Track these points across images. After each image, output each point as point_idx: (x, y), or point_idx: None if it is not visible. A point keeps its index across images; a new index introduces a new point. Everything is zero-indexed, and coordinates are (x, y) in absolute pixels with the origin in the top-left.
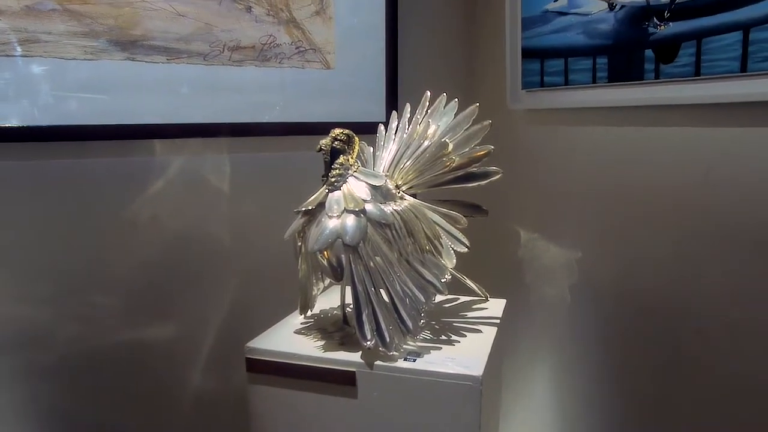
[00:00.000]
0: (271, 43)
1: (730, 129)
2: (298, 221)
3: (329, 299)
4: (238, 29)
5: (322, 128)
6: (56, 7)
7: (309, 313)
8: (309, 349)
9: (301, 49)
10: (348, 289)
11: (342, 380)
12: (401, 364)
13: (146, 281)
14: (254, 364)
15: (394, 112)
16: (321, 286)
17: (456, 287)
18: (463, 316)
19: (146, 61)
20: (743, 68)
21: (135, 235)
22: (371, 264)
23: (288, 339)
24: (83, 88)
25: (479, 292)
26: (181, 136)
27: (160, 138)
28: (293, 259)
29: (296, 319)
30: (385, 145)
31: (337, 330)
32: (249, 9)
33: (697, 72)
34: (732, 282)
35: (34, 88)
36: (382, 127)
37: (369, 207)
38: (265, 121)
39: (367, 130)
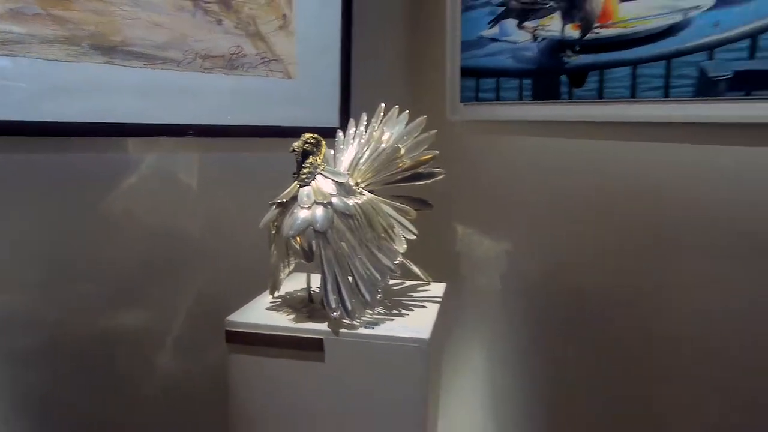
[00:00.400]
0: (238, 53)
1: (624, 143)
2: (273, 212)
3: (293, 283)
4: (210, 40)
5: (282, 132)
6: (40, 11)
7: (276, 294)
8: (281, 321)
9: (266, 59)
10: (312, 274)
11: (311, 346)
12: (361, 331)
13: (124, 271)
14: (233, 335)
15: (352, 119)
16: (287, 270)
17: (402, 273)
18: (410, 296)
19: (125, 66)
20: (633, 95)
21: (113, 226)
22: (337, 248)
23: (262, 314)
24: (65, 88)
25: (423, 276)
26: (155, 134)
27: (136, 136)
28: (266, 245)
29: (266, 299)
30: (344, 148)
31: (304, 306)
32: (220, 22)
33: (600, 95)
34: (649, 274)
35: (17, 86)
36: (341, 133)
37: (335, 200)
38: (231, 123)
39: (321, 134)
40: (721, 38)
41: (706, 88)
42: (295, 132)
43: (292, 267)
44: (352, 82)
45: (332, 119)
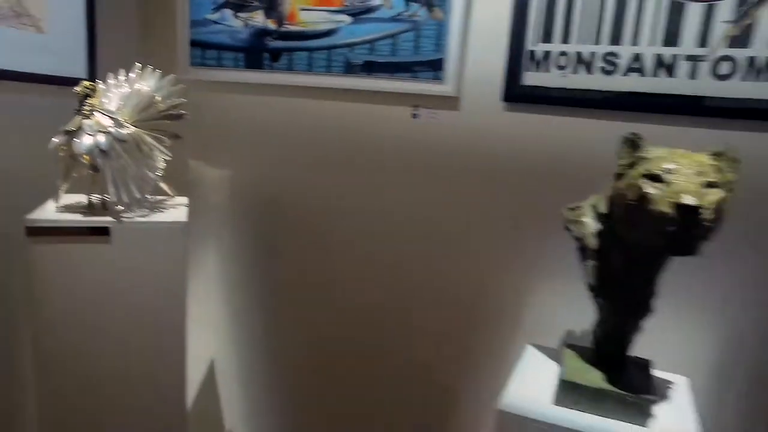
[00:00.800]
0: None
1: (304, 99)
2: (61, 138)
3: (71, 198)
4: None
5: (35, 78)
6: None
7: (60, 203)
8: (74, 217)
9: (18, 13)
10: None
11: (100, 232)
12: (137, 219)
13: None
14: (34, 230)
15: (110, 72)
16: (66, 185)
17: (154, 191)
18: (166, 202)
19: None
20: (310, 69)
21: None
22: (117, 164)
23: (54, 214)
24: None
25: (169, 192)
26: None
27: None
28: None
29: (51, 207)
30: (107, 94)
31: (86, 210)
32: None
33: (290, 68)
34: (329, 181)
35: None
36: (101, 83)
37: (112, 130)
38: None
39: (69, 83)
40: (356, 41)
41: (350, 68)
42: (46, 80)
43: (68, 186)
44: (97, 40)
45: (79, 71)
